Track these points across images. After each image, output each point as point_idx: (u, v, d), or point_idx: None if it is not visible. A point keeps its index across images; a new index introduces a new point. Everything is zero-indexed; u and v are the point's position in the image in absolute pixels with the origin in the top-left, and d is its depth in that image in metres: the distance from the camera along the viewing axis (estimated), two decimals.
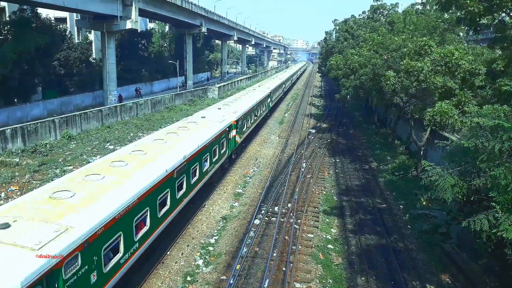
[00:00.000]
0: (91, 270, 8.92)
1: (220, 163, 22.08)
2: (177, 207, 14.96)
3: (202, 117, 23.37)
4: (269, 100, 43.71)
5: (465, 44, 26.15)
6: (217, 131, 20.68)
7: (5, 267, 7.11)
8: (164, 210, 13.50)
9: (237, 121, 25.31)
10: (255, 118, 34.11)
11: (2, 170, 22.53)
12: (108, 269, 9.72)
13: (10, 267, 7.12)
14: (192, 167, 16.55)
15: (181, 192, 15.33)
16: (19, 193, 19.63)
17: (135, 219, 11.23)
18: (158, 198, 12.92)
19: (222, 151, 21.92)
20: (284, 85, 63.25)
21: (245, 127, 28.86)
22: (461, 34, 29.08)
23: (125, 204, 10.49)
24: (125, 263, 10.71)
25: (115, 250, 10.34)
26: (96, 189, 10.76)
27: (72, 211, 9.27)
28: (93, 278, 9.02)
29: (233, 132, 24.63)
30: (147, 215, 12.03)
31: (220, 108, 27.78)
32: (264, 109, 40.32)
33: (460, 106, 16.91)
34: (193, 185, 16.91)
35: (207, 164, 19.00)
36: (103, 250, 9.47)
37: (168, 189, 13.75)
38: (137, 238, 11.41)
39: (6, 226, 8.20)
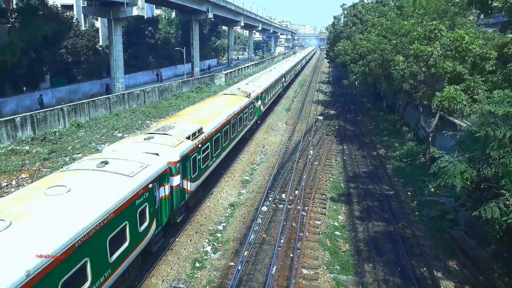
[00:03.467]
0: (262, 102, 33.86)
1: (279, 92, 46.66)
2: (278, 92, 45.06)
3: (270, 70, 50.26)
4: (294, 69, 70.56)
5: (476, 28, 25.61)
6: (280, 75, 45.75)
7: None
8: (278, 90, 44.85)
9: (284, 73, 50.74)
10: (290, 75, 61.91)
11: (12, 158, 22.86)
12: (266, 101, 36.14)
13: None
14: (275, 85, 41.25)
15: (277, 89, 43.35)
16: (29, 180, 19.94)
17: (276, 86, 42.36)
18: (277, 84, 42.74)
19: (279, 86, 46.52)
20: (301, 62, 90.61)
21: (284, 79, 51.90)
22: (471, 18, 28.42)
23: (271, 83, 38.62)
24: (267, 103, 36.99)
25: (266, 100, 36.32)
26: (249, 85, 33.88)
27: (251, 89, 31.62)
28: (254, 113, 31.00)
29: (283, 79, 49.69)
30: (280, 89, 46.61)
31: (275, 68, 55.03)
32: (293, 72, 67.21)
33: (469, 92, 16.65)
34: (280, 89, 46.50)
35: (276, 89, 43.05)
36: (266, 95, 35.54)
37: (276, 84, 42.31)
38: (269, 97, 38.06)
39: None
